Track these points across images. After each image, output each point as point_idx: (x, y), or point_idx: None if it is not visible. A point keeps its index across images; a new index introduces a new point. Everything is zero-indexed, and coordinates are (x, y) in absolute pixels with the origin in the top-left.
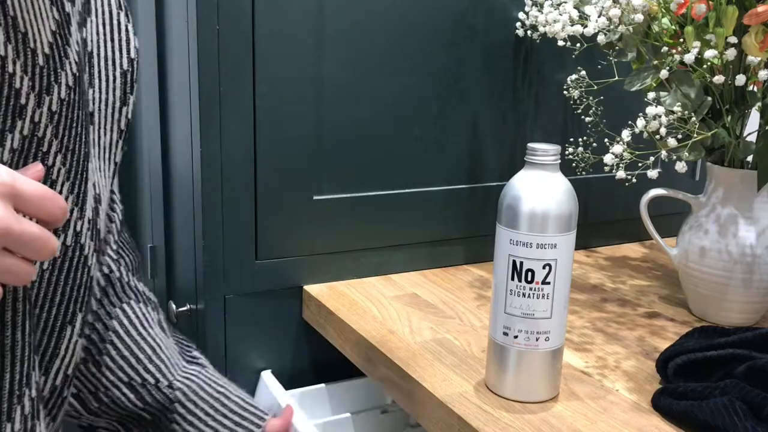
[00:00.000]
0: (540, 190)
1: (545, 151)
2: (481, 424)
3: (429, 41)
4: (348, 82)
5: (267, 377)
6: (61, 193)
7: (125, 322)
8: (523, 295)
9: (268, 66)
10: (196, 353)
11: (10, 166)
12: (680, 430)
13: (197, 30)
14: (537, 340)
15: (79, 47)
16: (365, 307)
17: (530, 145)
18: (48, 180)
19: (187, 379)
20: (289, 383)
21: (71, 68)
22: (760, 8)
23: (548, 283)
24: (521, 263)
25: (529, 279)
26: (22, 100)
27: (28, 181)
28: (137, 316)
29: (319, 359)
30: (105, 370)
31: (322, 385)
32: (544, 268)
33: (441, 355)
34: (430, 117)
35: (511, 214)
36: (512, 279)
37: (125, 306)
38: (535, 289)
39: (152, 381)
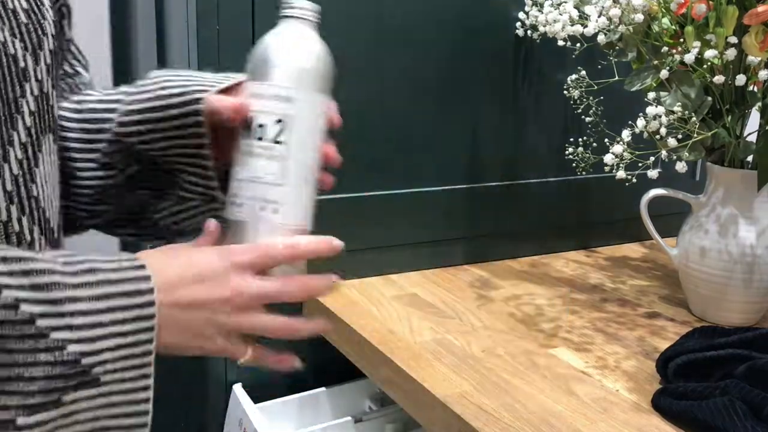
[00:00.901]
0: (286, 39)
1: (303, 7)
2: (481, 424)
3: (429, 41)
4: (347, 82)
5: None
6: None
7: None
8: (252, 153)
9: None
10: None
11: (31, 129)
12: (680, 430)
13: (197, 30)
14: (262, 209)
15: None
16: (365, 307)
17: (286, 2)
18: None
19: (122, 105)
20: (290, 387)
21: (50, 16)
22: (760, 8)
23: (280, 142)
24: (252, 117)
25: (260, 136)
26: (21, 64)
27: (245, 251)
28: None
29: (319, 359)
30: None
31: (295, 396)
32: (277, 123)
33: (441, 355)
34: (430, 117)
35: (252, 65)
36: (243, 138)
37: None
38: (265, 148)
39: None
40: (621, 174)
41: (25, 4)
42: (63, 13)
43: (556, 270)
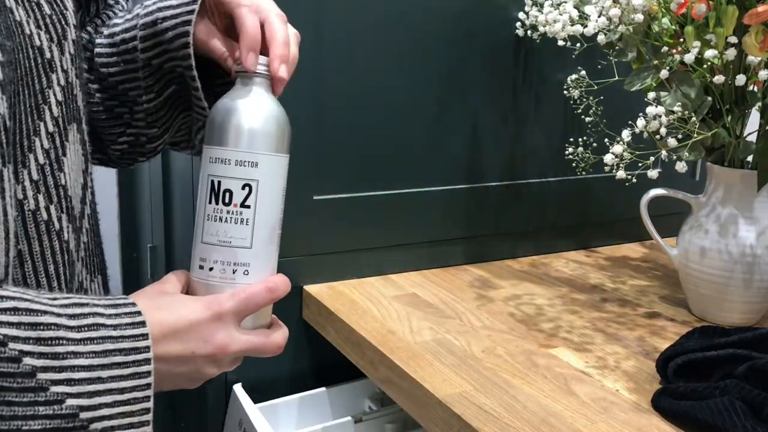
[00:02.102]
0: (246, 103)
1: (260, 65)
2: (481, 424)
3: (429, 41)
4: (348, 82)
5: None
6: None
7: None
8: (220, 219)
9: None
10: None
11: (58, 119)
12: (680, 430)
13: None
14: (234, 272)
15: None
16: (365, 307)
17: (238, 66)
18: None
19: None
20: (290, 386)
21: (71, 5)
22: (760, 8)
23: (248, 206)
24: (219, 182)
25: (227, 201)
26: (47, 55)
27: (229, 298)
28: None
29: (320, 360)
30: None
31: (296, 396)
32: (243, 188)
33: (441, 355)
34: (430, 117)
35: (211, 129)
36: (209, 202)
37: None
38: (232, 213)
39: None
40: (621, 174)
41: None
42: None
43: (556, 270)
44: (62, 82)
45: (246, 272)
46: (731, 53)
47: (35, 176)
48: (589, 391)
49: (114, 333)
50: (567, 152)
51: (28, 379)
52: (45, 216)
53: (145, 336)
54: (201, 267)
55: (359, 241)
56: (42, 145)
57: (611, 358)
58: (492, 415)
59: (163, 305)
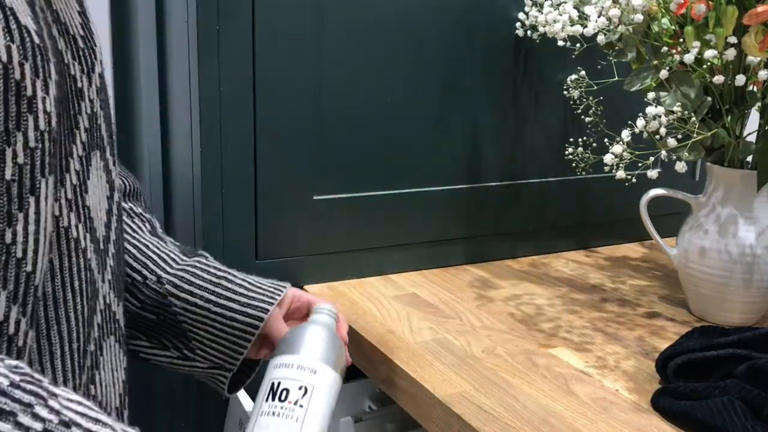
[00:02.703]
0: (318, 327)
1: (331, 310)
2: (480, 424)
3: (429, 41)
4: (348, 82)
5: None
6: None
7: None
8: (274, 414)
9: (268, 66)
10: (200, 251)
11: (84, 145)
12: (680, 430)
13: (197, 30)
14: None
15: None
16: (365, 307)
17: (319, 305)
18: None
19: (182, 270)
20: None
21: (99, 43)
22: (760, 8)
23: (301, 406)
24: (279, 383)
25: (283, 398)
26: (79, 84)
27: None
28: (126, 224)
29: None
30: None
31: None
32: (300, 389)
33: (441, 355)
34: (430, 117)
35: (284, 344)
36: (266, 400)
37: None
38: (286, 408)
39: (140, 279)
40: (621, 174)
41: (81, 32)
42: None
43: (556, 270)
44: (89, 111)
45: None
46: (731, 53)
47: (69, 195)
48: (589, 391)
49: None
50: (567, 152)
51: None
52: (75, 234)
53: None
54: None
55: (359, 241)
56: (74, 167)
57: (611, 358)
58: (492, 415)
59: None
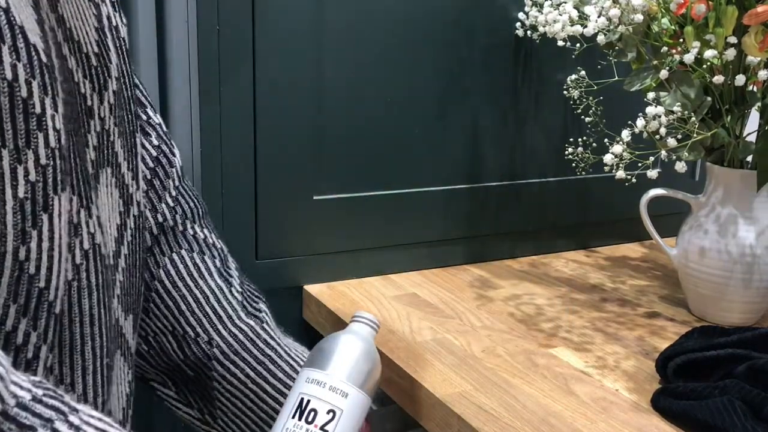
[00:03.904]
0: (357, 342)
1: (372, 320)
2: (480, 424)
3: (429, 41)
4: (348, 82)
5: None
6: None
7: (172, 272)
8: None
9: (268, 66)
10: (261, 305)
11: (93, 163)
12: (680, 430)
13: (197, 30)
14: None
15: (112, 32)
16: (365, 307)
17: (358, 312)
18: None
19: (234, 335)
20: None
21: (115, 60)
22: (760, 8)
23: (326, 431)
24: (308, 401)
25: (310, 419)
26: (89, 102)
27: None
28: (186, 266)
29: None
30: (152, 317)
31: None
32: (328, 413)
33: (441, 355)
34: (430, 117)
35: (318, 355)
36: (292, 417)
37: (175, 255)
38: None
39: (192, 334)
40: (621, 174)
41: (96, 49)
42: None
43: (556, 270)
44: (98, 129)
45: None
46: (731, 53)
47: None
48: (589, 391)
49: None
50: (567, 152)
51: None
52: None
53: None
54: None
55: (359, 241)
56: (90, 185)
57: (611, 358)
58: (492, 415)
59: None
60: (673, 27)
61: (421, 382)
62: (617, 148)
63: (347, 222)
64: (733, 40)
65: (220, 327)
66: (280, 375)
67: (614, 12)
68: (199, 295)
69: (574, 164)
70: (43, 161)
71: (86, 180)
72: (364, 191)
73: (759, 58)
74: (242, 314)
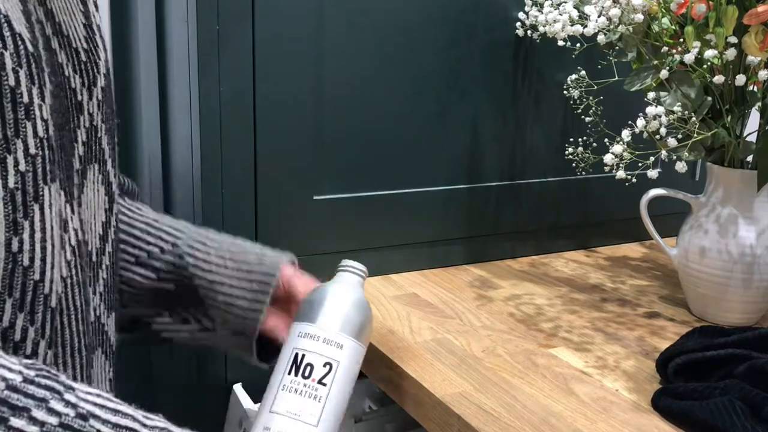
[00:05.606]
0: (346, 293)
1: (359, 268)
2: (481, 424)
3: (429, 41)
4: (348, 82)
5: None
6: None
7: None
8: (296, 391)
9: (268, 66)
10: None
11: (81, 159)
12: (680, 430)
13: (197, 30)
14: None
15: (97, 29)
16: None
17: (345, 261)
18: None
19: (196, 233)
20: None
21: (104, 55)
22: (760, 8)
23: (324, 384)
24: (303, 356)
25: (306, 374)
26: (79, 97)
27: None
28: (127, 208)
29: None
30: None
31: None
32: (324, 366)
33: (441, 355)
34: (430, 117)
35: (308, 308)
36: (288, 373)
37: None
38: (309, 386)
39: (156, 250)
40: (621, 174)
41: (85, 45)
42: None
43: (556, 270)
44: (87, 124)
45: None
46: (731, 53)
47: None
48: (589, 391)
49: None
50: (567, 152)
51: None
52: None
53: None
54: None
55: (359, 241)
56: (74, 181)
57: (611, 358)
58: (492, 415)
59: None
60: (673, 27)
61: (421, 382)
62: (617, 148)
63: (347, 222)
64: (733, 39)
65: (179, 234)
66: (256, 249)
67: (614, 12)
68: (149, 220)
69: (574, 164)
70: (32, 151)
71: (70, 176)
72: (364, 191)
73: (759, 58)
74: (195, 227)
